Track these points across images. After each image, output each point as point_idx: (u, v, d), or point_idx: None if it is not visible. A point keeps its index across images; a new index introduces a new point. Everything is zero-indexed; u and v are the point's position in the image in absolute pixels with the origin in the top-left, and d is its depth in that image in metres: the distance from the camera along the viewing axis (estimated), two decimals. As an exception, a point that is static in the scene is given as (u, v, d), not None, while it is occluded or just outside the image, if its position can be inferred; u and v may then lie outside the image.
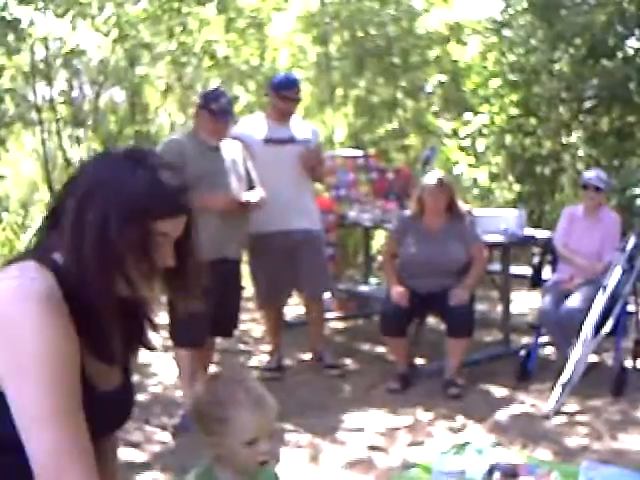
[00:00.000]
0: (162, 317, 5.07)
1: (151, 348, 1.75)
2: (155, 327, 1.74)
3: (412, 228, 4.99)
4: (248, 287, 5.55)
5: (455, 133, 9.64)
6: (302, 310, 5.61)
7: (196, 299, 1.66)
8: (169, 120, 10.57)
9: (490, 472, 2.94)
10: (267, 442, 1.82)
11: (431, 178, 4.95)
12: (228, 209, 4.18)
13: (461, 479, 2.59)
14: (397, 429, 4.17)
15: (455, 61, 10.32)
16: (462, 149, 9.54)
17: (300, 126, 5.13)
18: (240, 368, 5.09)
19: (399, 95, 10.22)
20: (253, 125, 5.03)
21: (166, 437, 4.08)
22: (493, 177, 9.82)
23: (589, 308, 4.70)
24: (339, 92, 10.36)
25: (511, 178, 9.91)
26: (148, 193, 1.49)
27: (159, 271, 1.54)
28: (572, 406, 4.46)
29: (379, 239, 7.63)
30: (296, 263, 4.94)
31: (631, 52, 9.33)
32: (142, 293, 1.57)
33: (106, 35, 8.98)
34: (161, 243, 1.52)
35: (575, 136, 9.82)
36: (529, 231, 5.83)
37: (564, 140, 9.77)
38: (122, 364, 1.68)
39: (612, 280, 4.79)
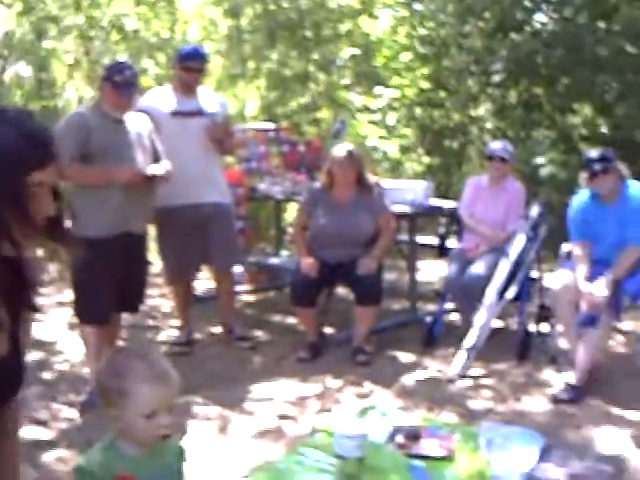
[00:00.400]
0: (67, 294, 5.03)
1: (37, 309, 1.73)
2: (36, 287, 1.72)
3: (322, 200, 5.02)
4: (157, 262, 5.49)
5: (366, 108, 9.69)
6: (212, 284, 5.59)
7: (75, 247, 1.66)
8: (77, 95, 10.34)
9: (393, 435, 3.00)
10: (167, 416, 1.83)
11: (340, 150, 4.98)
12: (133, 182, 4.12)
13: (363, 442, 2.63)
14: (306, 397, 4.21)
15: (366, 34, 10.34)
16: (373, 123, 9.60)
17: (209, 99, 5.08)
18: (145, 343, 5.06)
19: (311, 68, 10.20)
20: (160, 98, 4.96)
21: (73, 414, 4.02)
22: (403, 150, 9.92)
23: (493, 275, 4.84)
24: (251, 65, 10.28)
25: (421, 151, 10.04)
26: (17, 147, 1.49)
27: (40, 224, 1.54)
28: (477, 370, 4.59)
29: (291, 212, 7.63)
30: (205, 237, 4.90)
31: (538, 26, 9.53)
32: (26, 249, 1.56)
33: (9, 7, 8.70)
34: (38, 194, 1.52)
35: (483, 109, 10.00)
36: (436, 202, 5.93)
37: (472, 113, 9.94)
38: (9, 332, 1.66)
39: (515, 247, 4.92)
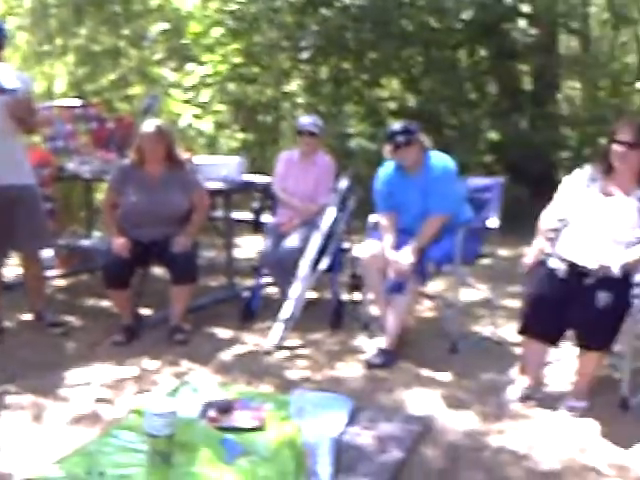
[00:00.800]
0: None
1: None
2: None
3: (132, 177, 4.92)
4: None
5: (179, 84, 9.58)
6: (21, 270, 5.37)
7: None
8: None
9: (205, 410, 3.03)
10: None
11: (149, 126, 4.89)
12: None
13: (172, 419, 2.64)
14: (123, 380, 4.13)
15: (177, 9, 10.19)
16: (186, 102, 9.49)
17: (9, 75, 4.84)
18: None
19: (122, 44, 9.94)
20: (-45, 76, 4.69)
21: None
22: (218, 126, 9.88)
23: (306, 247, 4.94)
24: (59, 42, 9.88)
25: (235, 126, 10.04)
26: None
27: None
28: (294, 341, 4.68)
29: (103, 192, 7.42)
30: (11, 221, 4.70)
31: (347, 1, 9.71)
32: None
33: None
34: None
35: (295, 84, 10.11)
36: (249, 177, 5.97)
37: (285, 88, 10.03)
38: None
39: (326, 220, 5.04)
